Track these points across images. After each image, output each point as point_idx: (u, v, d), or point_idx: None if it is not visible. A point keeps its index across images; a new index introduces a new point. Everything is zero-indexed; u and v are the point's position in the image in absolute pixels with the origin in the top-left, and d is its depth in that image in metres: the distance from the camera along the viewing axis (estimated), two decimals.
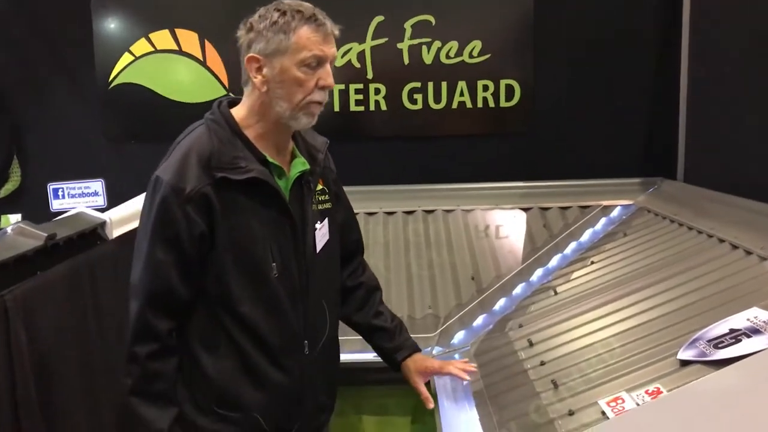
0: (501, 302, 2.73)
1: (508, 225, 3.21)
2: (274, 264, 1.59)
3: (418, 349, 1.96)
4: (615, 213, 3.22)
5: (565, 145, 3.44)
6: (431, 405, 1.92)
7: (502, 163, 3.44)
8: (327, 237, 1.73)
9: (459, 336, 2.57)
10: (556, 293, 2.56)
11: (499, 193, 3.36)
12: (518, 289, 2.79)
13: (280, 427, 1.69)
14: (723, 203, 2.69)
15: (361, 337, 2.25)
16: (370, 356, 2.50)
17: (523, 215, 3.27)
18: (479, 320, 2.64)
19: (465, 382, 2.22)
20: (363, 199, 3.33)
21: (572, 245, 3.03)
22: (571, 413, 1.71)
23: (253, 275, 1.58)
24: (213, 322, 1.59)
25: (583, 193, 3.34)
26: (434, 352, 2.48)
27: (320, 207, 1.72)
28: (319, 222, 1.69)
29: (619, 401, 1.64)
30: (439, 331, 2.57)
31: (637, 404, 1.60)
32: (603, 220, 3.18)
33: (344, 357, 2.48)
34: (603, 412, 1.64)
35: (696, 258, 2.32)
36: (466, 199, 3.35)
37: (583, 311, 2.29)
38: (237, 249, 1.56)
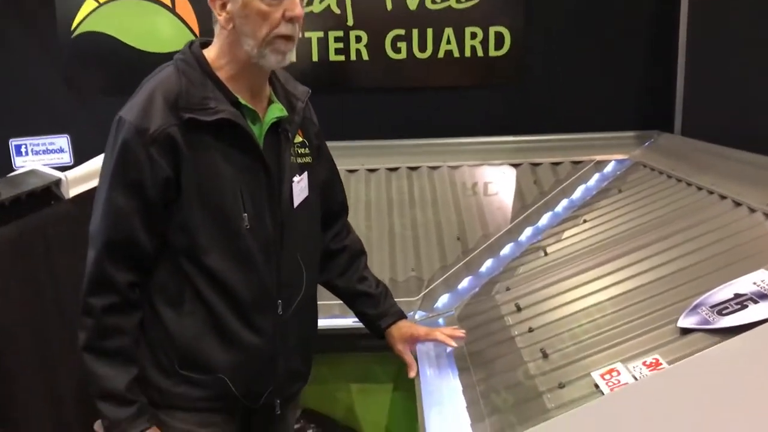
0: (488, 263, 2.58)
1: (497, 182, 3.05)
2: (245, 214, 1.47)
3: (403, 316, 1.87)
4: (609, 168, 3.06)
5: (557, 97, 3.26)
6: (413, 373, 1.84)
7: (491, 116, 3.26)
8: (306, 192, 1.61)
9: (443, 299, 2.42)
10: (546, 254, 2.41)
11: (487, 148, 3.19)
12: (506, 250, 2.64)
13: (250, 392, 1.57)
14: (723, 157, 2.54)
15: (339, 302, 2.12)
16: (349, 321, 2.39)
17: (512, 171, 3.11)
18: (465, 283, 2.50)
19: (449, 349, 2.09)
20: (343, 155, 3.12)
21: (564, 203, 2.87)
22: (561, 386, 1.58)
23: (222, 225, 1.46)
24: (177, 275, 1.47)
25: (575, 148, 3.17)
26: (417, 316, 2.34)
27: (300, 160, 1.60)
28: (297, 175, 1.58)
29: (614, 374, 1.51)
30: (422, 294, 2.42)
31: (635, 377, 1.46)
32: (596, 176, 3.02)
33: (323, 323, 2.37)
34: (596, 386, 1.51)
35: (696, 216, 2.17)
36: (453, 155, 3.18)
37: (575, 273, 2.14)
38: (205, 196, 1.44)
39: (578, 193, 2.93)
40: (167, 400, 1.51)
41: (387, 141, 3.21)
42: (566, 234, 2.52)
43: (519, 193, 2.94)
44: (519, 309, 2.07)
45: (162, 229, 1.46)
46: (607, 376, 1.51)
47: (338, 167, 3.06)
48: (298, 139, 1.61)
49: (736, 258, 1.80)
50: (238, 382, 1.52)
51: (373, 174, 3.13)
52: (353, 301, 1.85)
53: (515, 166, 3.12)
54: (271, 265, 1.52)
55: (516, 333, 1.94)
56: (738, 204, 2.10)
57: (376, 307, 1.83)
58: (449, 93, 3.27)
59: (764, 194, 2.06)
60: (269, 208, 1.51)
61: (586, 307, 1.91)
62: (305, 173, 1.60)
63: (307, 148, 1.63)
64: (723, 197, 2.20)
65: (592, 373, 1.54)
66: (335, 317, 2.40)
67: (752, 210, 2.01)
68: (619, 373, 1.50)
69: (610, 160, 3.08)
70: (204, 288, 1.47)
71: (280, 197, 1.53)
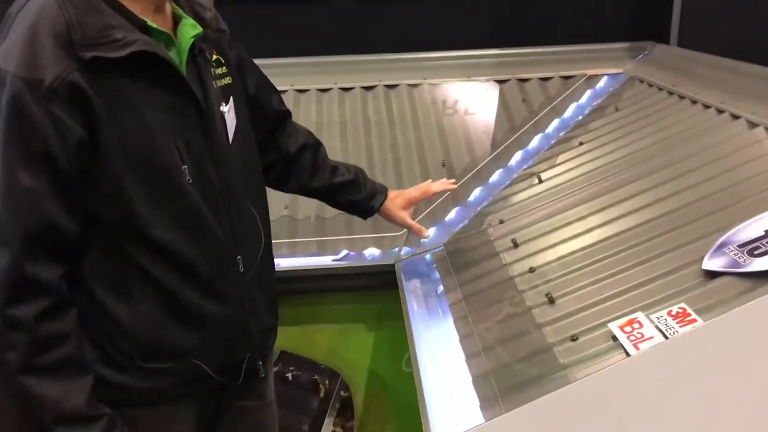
0: (476, 192, 2.38)
1: (483, 100, 2.80)
2: (185, 167, 1.21)
3: (386, 188, 1.85)
4: (601, 84, 2.84)
5: (543, 5, 2.98)
6: (426, 233, 1.94)
7: (475, 27, 2.97)
8: (235, 121, 1.36)
9: (429, 233, 2.23)
10: (540, 181, 2.21)
11: (471, 63, 2.92)
12: (495, 177, 2.44)
13: (225, 368, 1.37)
14: (730, 71, 2.33)
15: (317, 238, 1.94)
16: (328, 260, 2.20)
17: (498, 88, 2.86)
18: (452, 214, 2.30)
19: (439, 289, 1.93)
20: (314, 73, 2.87)
21: (555, 123, 2.66)
22: (574, 338, 1.41)
23: (160, 186, 1.19)
24: (117, 257, 1.20)
25: (564, 62, 2.93)
26: (402, 253, 2.15)
27: (220, 83, 1.34)
28: (224, 103, 1.32)
29: (636, 325, 1.34)
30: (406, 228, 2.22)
31: (660, 330, 1.29)
32: (588, 93, 2.80)
33: (298, 263, 2.18)
34: (614, 338, 1.34)
35: (706, 138, 1.98)
36: (434, 71, 2.91)
37: (575, 204, 1.96)
38: (133, 154, 1.16)
39: (570, 111, 2.71)
40: (132, 397, 1.28)
41: (362, 56, 2.92)
42: (561, 158, 2.32)
43: (507, 113, 2.71)
44: (516, 245, 1.89)
45: (86, 205, 1.16)
46: (628, 329, 1.33)
47: (308, 87, 2.81)
48: (213, 57, 1.34)
49: (760, 187, 1.63)
50: (210, 361, 1.32)
51: (348, 93, 2.85)
52: (335, 195, 1.78)
53: (501, 82, 2.87)
54: (222, 219, 1.29)
55: (515, 273, 1.76)
56: (754, 125, 1.91)
57: (361, 191, 1.78)
58: (430, 2, 2.96)
59: None
60: (208, 152, 1.26)
61: (592, 243, 1.73)
62: (231, 98, 1.35)
63: (224, 67, 1.37)
64: (735, 117, 2.00)
65: (609, 325, 1.37)
66: (312, 255, 2.21)
67: None
68: (641, 325, 1.33)
69: (603, 75, 2.85)
70: (153, 267, 1.21)
71: (215, 136, 1.27)
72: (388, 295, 2.21)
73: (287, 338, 2.31)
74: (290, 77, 2.76)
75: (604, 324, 1.40)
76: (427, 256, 2.13)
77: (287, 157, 1.66)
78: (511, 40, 2.96)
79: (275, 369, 2.30)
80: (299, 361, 2.33)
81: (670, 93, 2.41)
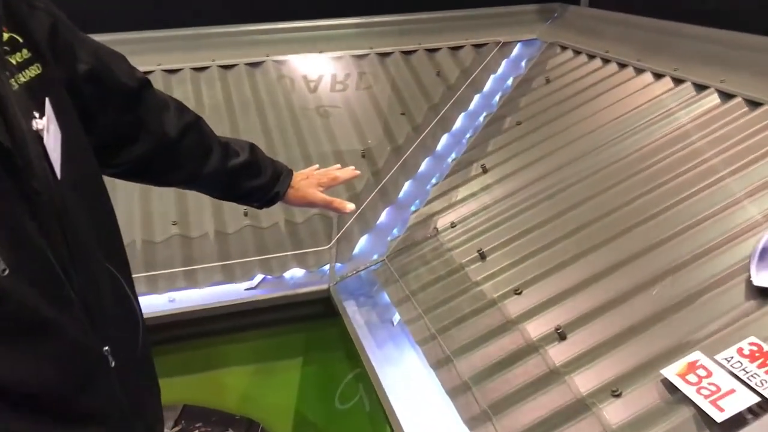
0: (406, 187, 2.02)
1: (393, 75, 2.41)
2: None
3: (289, 168, 1.45)
4: (516, 51, 2.55)
5: None
6: (350, 206, 1.49)
7: None
8: (60, 134, 0.85)
9: (362, 244, 1.84)
10: (485, 170, 1.88)
11: (375, 32, 2.52)
12: (424, 166, 2.09)
13: None
14: (656, 31, 2.12)
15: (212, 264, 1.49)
16: (238, 290, 1.74)
17: (407, 60, 2.48)
18: (383, 217, 1.92)
19: (395, 319, 1.56)
20: (189, 48, 2.34)
21: (476, 99, 2.34)
22: (616, 393, 1.09)
23: None
24: None
25: (473, 27, 2.60)
26: (337, 273, 1.74)
27: (23, 78, 0.82)
28: (36, 115, 0.80)
29: (701, 371, 1.04)
30: (335, 240, 1.81)
31: (739, 379, 1.00)
32: (505, 63, 2.50)
33: (195, 299, 1.71)
34: (672, 387, 1.04)
35: (662, 105, 1.75)
36: (327, 42, 2.47)
37: (542, 198, 1.66)
38: None
39: (489, 85, 2.40)
40: None
41: (243, 26, 2.42)
42: (500, 142, 2.00)
43: (422, 90, 2.35)
44: (483, 257, 1.55)
45: None
46: (692, 378, 1.04)
47: (177, 66, 2.26)
48: (4, 36, 0.81)
49: (744, 154, 1.42)
50: None
51: (230, 72, 2.35)
52: (232, 181, 1.33)
53: (409, 53, 2.50)
54: (69, 307, 0.80)
55: (495, 296, 1.42)
56: (701, 87, 1.71)
57: (262, 173, 1.36)
58: None
59: (723, 72, 1.70)
60: (28, 212, 0.75)
61: (583, 251, 1.43)
62: (46, 99, 0.84)
63: (25, 49, 0.84)
64: (679, 81, 1.80)
65: (662, 371, 1.07)
66: (217, 284, 1.75)
67: (729, 96, 1.64)
68: (708, 372, 1.04)
69: (517, 42, 2.57)
70: None
71: (31, 181, 0.76)
72: (315, 325, 1.82)
73: (190, 388, 1.85)
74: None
75: (653, 368, 1.09)
76: (363, 274, 1.74)
77: (167, 141, 1.21)
78: (413, 3, 2.59)
79: (176, 429, 1.84)
80: (207, 414, 1.87)
81: (605, 60, 2.16)
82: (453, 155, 2.11)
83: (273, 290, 1.70)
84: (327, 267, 1.75)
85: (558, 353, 1.22)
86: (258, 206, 1.42)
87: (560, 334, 1.25)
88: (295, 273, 1.77)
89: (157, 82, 2.23)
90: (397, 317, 1.55)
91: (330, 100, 2.32)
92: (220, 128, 2.10)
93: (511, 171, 1.83)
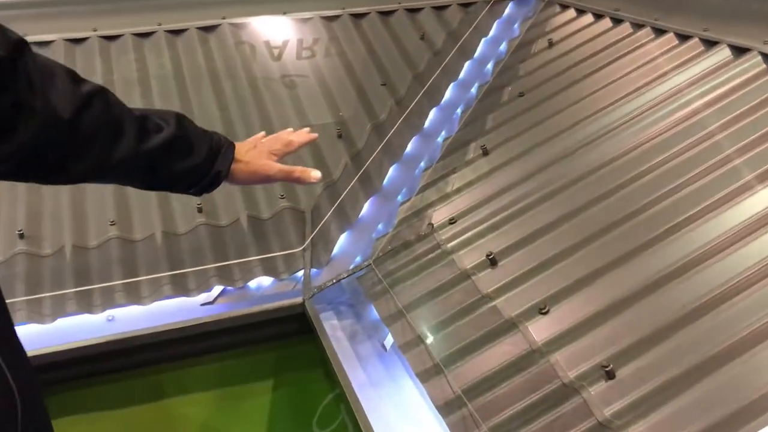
0: (391, 172, 1.71)
1: (369, 39, 2.09)
2: None
3: (229, 139, 1.11)
4: (508, 11, 2.24)
5: None
6: (318, 173, 1.13)
7: None
8: None
9: (341, 242, 1.54)
10: (486, 153, 1.59)
11: None
12: (411, 147, 1.78)
13: None
14: None
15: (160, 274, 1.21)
16: (192, 306, 1.44)
17: (385, 22, 2.16)
18: (365, 209, 1.62)
19: (389, 343, 1.28)
20: (130, 11, 1.98)
21: (466, 67, 2.03)
22: None
23: None
24: None
25: None
26: (314, 284, 1.44)
27: None
28: None
29: None
30: (308, 241, 1.50)
31: None
32: (496, 25, 2.19)
33: (140, 318, 1.40)
34: None
35: (701, 74, 1.47)
36: (292, 2, 2.13)
37: (559, 187, 1.37)
38: None
39: (481, 50, 2.09)
40: None
41: None
42: (501, 117, 1.71)
43: (404, 55, 2.03)
44: (494, 263, 1.26)
45: None
46: None
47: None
48: None
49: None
50: None
51: (179, 37, 2.00)
52: (156, 165, 1.02)
53: (387, 14, 2.17)
54: None
55: (513, 315, 1.14)
56: (742, 50, 1.43)
57: (196, 150, 1.05)
58: None
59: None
60: None
61: (615, 260, 1.15)
62: None
63: None
64: (713, 42, 1.52)
65: None
66: (169, 298, 1.44)
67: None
68: None
69: (509, 0, 2.26)
70: None
71: None
72: (287, 341, 1.52)
73: (136, 422, 1.54)
74: None
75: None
76: (345, 282, 1.45)
77: (59, 123, 0.88)
78: None
79: None
80: None
81: (616, 20, 1.86)
82: (443, 133, 1.81)
83: (235, 305, 1.40)
84: (300, 273, 1.45)
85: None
86: (195, 192, 1.10)
87: (608, 373, 0.97)
88: (262, 282, 1.47)
89: (94, 51, 1.89)
90: (389, 340, 1.26)
91: (297, 69, 1.99)
92: (169, 103, 1.78)
93: (517, 153, 1.54)
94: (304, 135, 1.21)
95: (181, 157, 1.03)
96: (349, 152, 1.71)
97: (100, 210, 1.54)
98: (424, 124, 1.83)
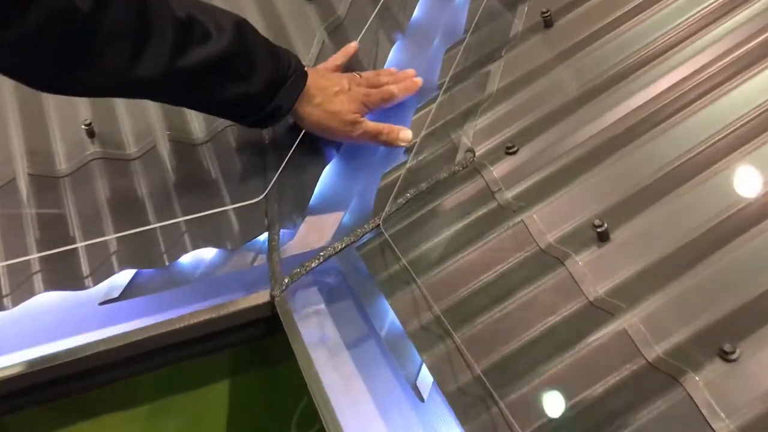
0: (392, 55, 1.10)
1: None
2: None
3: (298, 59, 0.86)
4: None
5: None
6: (409, 134, 0.92)
7: None
8: None
9: (324, 182, 0.97)
10: (549, 24, 0.99)
11: None
12: (418, 11, 1.16)
13: None
14: None
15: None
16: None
17: None
18: None
19: (422, 381, 0.77)
20: None
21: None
22: None
23: None
24: None
25: None
26: (287, 265, 0.88)
27: None
28: None
29: None
30: (273, 181, 0.93)
31: None
32: None
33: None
34: None
35: None
36: None
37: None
38: None
39: None
40: None
41: None
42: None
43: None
44: (604, 238, 0.73)
45: None
46: None
47: None
48: None
49: None
50: None
51: None
52: (199, 85, 0.79)
53: None
54: None
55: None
56: None
57: (254, 72, 0.81)
58: None
59: None
60: None
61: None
62: None
63: None
64: None
65: None
66: (48, 290, 0.88)
67: None
68: None
69: None
70: None
71: None
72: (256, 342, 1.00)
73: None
74: None
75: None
76: (335, 260, 0.89)
77: (75, 15, 0.67)
78: None
79: None
80: None
81: None
82: None
83: (158, 303, 0.85)
84: (263, 237, 0.89)
85: None
86: (248, 124, 0.88)
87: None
88: (203, 256, 0.91)
89: None
90: (426, 381, 0.75)
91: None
92: None
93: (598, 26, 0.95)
94: (411, 84, 0.96)
95: (230, 81, 0.79)
96: (323, 21, 1.08)
97: None
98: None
